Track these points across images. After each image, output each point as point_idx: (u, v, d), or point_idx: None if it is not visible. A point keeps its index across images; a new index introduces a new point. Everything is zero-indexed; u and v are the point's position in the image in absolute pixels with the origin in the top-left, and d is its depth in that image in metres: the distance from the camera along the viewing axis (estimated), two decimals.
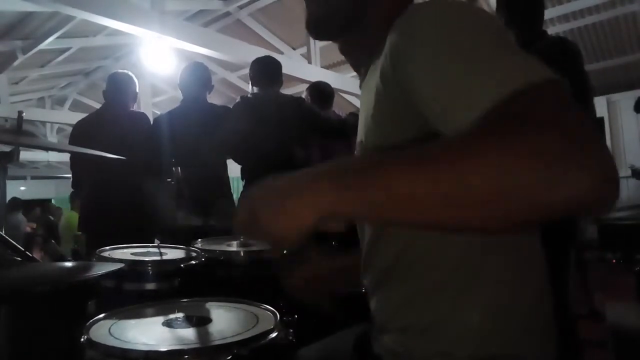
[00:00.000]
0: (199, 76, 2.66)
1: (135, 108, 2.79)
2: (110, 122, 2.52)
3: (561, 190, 0.41)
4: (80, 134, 2.53)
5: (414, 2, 0.63)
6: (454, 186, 0.43)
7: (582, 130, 0.43)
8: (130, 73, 2.74)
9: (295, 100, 2.64)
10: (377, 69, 0.67)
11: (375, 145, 0.69)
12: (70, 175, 2.70)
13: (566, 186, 0.40)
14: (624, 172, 6.00)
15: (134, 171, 2.29)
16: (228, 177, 2.67)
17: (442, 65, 0.53)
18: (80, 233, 2.81)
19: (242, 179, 2.59)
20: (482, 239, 0.64)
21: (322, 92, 3.02)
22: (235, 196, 2.78)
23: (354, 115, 2.75)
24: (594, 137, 0.42)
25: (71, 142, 2.51)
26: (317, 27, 0.81)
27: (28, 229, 6.66)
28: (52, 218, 7.54)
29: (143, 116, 2.67)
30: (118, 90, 2.64)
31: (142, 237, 1.72)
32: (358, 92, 0.82)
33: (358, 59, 0.83)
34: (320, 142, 2.68)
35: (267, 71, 2.63)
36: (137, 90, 2.73)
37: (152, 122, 2.68)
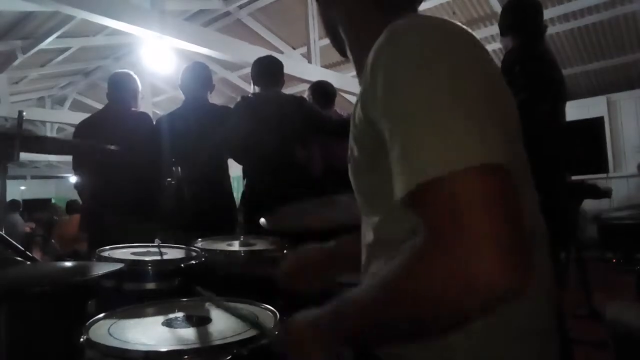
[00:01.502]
0: (200, 76, 2.65)
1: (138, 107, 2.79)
2: (113, 122, 2.52)
3: (478, 297, 0.47)
4: (82, 134, 2.54)
5: (396, 23, 0.61)
6: (397, 318, 0.54)
7: (486, 235, 0.46)
8: (131, 72, 2.74)
9: (297, 99, 2.64)
10: (360, 88, 0.69)
11: (356, 162, 0.73)
12: (69, 175, 2.71)
13: (480, 290, 0.46)
14: (624, 171, 6.01)
15: (136, 171, 2.29)
16: (229, 177, 2.67)
17: (393, 123, 0.56)
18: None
19: (244, 178, 2.59)
20: None
21: (324, 91, 3.02)
22: (236, 195, 2.78)
23: None
24: (496, 240, 0.46)
25: (85, 137, 2.52)
26: (337, 49, 0.90)
27: (27, 229, 6.67)
28: (55, 218, 7.55)
29: (145, 116, 2.68)
30: (119, 89, 2.64)
31: (143, 236, 1.72)
32: (358, 91, 0.83)
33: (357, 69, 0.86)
34: (322, 141, 2.68)
35: (268, 71, 2.63)
36: (140, 88, 2.73)
37: (154, 121, 2.69)
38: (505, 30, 2.13)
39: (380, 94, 0.58)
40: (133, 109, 2.66)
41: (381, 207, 0.70)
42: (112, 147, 1.63)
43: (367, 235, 0.77)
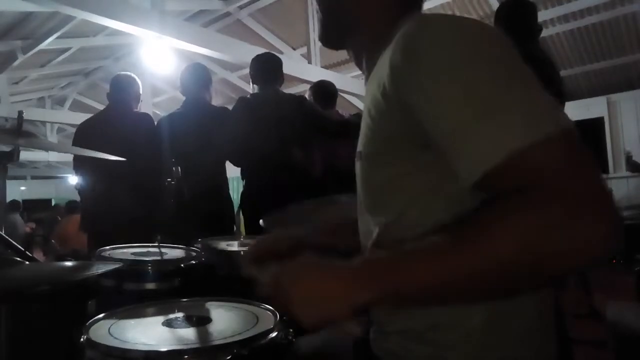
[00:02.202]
0: (200, 77, 2.65)
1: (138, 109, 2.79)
2: (114, 123, 2.53)
3: (577, 253, 0.46)
4: (83, 135, 2.54)
5: (419, 14, 0.60)
6: (480, 267, 0.49)
7: (591, 187, 0.47)
8: (132, 74, 2.75)
9: (296, 99, 2.62)
10: (377, 76, 0.66)
11: (371, 156, 0.70)
12: (69, 175, 2.72)
13: (580, 249, 0.46)
14: (624, 171, 6.00)
15: (137, 172, 2.29)
16: (226, 178, 2.67)
17: (453, 103, 0.53)
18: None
19: (242, 178, 2.59)
20: None
21: (325, 91, 3.01)
22: (235, 196, 2.78)
23: (358, 116, 2.74)
24: (602, 191, 0.47)
25: (74, 144, 2.51)
26: (326, 40, 0.86)
27: (28, 229, 6.67)
28: (58, 217, 7.54)
29: (147, 117, 2.68)
30: (120, 91, 2.65)
31: (143, 236, 1.72)
32: (359, 92, 0.83)
33: (361, 58, 0.83)
34: (322, 141, 2.68)
35: (267, 68, 2.61)
36: (140, 91, 2.73)
37: (155, 123, 2.69)
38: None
39: (429, 80, 0.56)
40: (135, 110, 2.67)
41: (393, 205, 0.68)
42: (113, 155, 1.64)
43: (369, 236, 0.74)
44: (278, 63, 2.64)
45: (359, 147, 0.74)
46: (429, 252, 0.52)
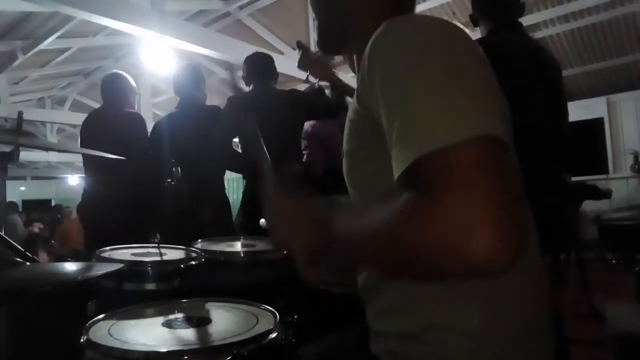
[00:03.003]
0: (194, 78, 2.66)
1: (136, 107, 2.80)
2: (103, 122, 2.57)
3: (462, 260, 0.45)
4: (86, 132, 2.58)
5: (388, 22, 0.62)
6: (383, 253, 0.54)
7: (484, 203, 0.45)
8: (121, 72, 2.76)
9: (287, 93, 2.58)
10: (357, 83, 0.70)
11: (351, 154, 0.75)
12: (69, 176, 2.73)
13: (467, 257, 0.44)
14: (624, 172, 6.01)
15: (130, 171, 2.29)
16: (223, 178, 2.68)
17: (389, 105, 0.57)
18: None
19: (244, 178, 2.59)
20: None
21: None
22: (237, 196, 2.78)
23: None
24: (496, 208, 0.45)
25: (81, 138, 2.56)
26: (323, 46, 0.89)
27: (36, 230, 6.67)
28: (59, 216, 7.55)
29: (136, 116, 2.68)
30: (108, 91, 2.68)
31: (143, 237, 1.72)
32: None
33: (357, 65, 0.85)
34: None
35: (262, 67, 2.60)
36: (133, 87, 2.73)
37: (153, 124, 2.70)
38: (475, 20, 1.97)
39: (379, 82, 0.58)
40: (127, 109, 2.66)
41: (372, 201, 0.70)
42: (108, 155, 1.64)
43: None
44: (270, 60, 2.62)
45: (344, 145, 0.78)
46: (352, 226, 0.59)
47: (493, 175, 0.46)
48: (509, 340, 0.65)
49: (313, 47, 5.75)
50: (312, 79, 2.39)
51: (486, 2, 1.90)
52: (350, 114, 0.73)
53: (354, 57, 0.85)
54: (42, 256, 4.94)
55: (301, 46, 2.00)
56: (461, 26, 0.64)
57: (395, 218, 0.51)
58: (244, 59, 2.71)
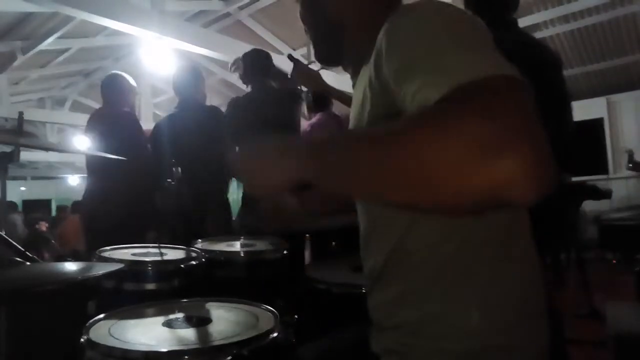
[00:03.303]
0: (194, 78, 2.67)
1: (136, 107, 2.81)
2: (100, 121, 2.57)
3: (493, 175, 0.41)
4: (92, 128, 2.58)
5: (402, 5, 0.64)
6: (398, 167, 0.46)
7: (520, 120, 0.43)
8: (120, 73, 2.78)
9: (288, 92, 2.60)
10: (365, 76, 0.70)
11: None
12: (69, 176, 2.72)
13: (498, 171, 0.41)
14: (624, 172, 6.00)
15: (127, 170, 2.29)
16: (223, 179, 2.69)
17: (412, 53, 0.56)
18: None
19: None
20: (462, 229, 0.66)
21: (321, 93, 2.99)
22: (237, 196, 2.78)
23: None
24: (529, 124, 0.43)
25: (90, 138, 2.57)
26: (322, 61, 0.91)
27: (43, 228, 6.66)
28: (61, 216, 7.54)
29: (129, 115, 2.68)
30: (107, 92, 2.68)
31: (142, 236, 1.72)
32: None
33: (352, 65, 0.87)
34: None
35: (261, 64, 2.61)
36: (132, 87, 2.73)
37: (154, 125, 2.70)
38: None
39: (398, 49, 0.59)
40: (126, 109, 2.67)
41: None
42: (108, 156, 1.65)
43: (363, 225, 0.80)
44: (268, 57, 2.63)
45: None
46: (358, 140, 0.53)
47: (526, 108, 0.44)
48: (507, 331, 0.65)
49: (310, 49, 5.76)
50: (304, 89, 2.44)
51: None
52: (361, 107, 0.72)
53: (352, 60, 0.86)
54: (47, 256, 4.94)
55: (292, 59, 2.06)
56: None
57: (419, 121, 0.47)
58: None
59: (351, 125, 0.79)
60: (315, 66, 2.20)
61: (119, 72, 2.78)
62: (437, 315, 0.66)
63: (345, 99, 2.08)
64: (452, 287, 0.66)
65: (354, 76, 0.84)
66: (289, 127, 2.43)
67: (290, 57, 2.07)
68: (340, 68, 0.94)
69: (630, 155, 4.39)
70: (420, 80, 0.52)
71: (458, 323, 0.65)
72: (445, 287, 0.66)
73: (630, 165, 4.46)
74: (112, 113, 2.61)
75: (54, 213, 9.69)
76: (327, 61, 0.90)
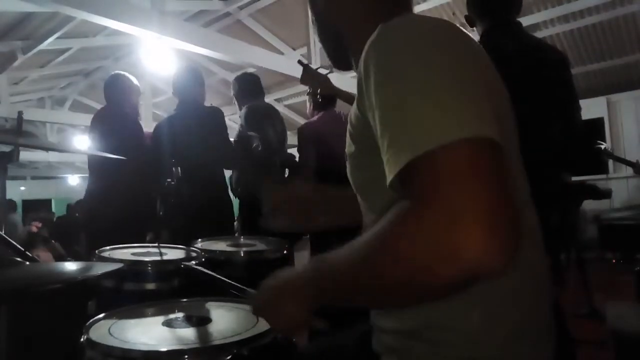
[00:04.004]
0: (194, 79, 2.70)
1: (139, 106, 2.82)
2: (100, 122, 2.58)
3: (458, 264, 0.45)
4: (94, 128, 2.58)
5: (385, 26, 0.62)
6: (373, 280, 0.52)
7: (476, 203, 0.45)
8: (123, 73, 2.78)
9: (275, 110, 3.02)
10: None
11: (352, 159, 0.76)
12: (69, 176, 2.72)
13: (462, 259, 0.44)
14: (624, 172, 6.00)
15: (128, 170, 2.30)
16: (224, 180, 2.70)
17: (381, 110, 0.56)
18: None
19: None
20: None
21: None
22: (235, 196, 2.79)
23: None
24: (488, 208, 0.45)
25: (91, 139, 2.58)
26: (336, 66, 0.93)
27: (34, 229, 6.66)
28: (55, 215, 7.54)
29: (131, 116, 2.69)
30: (109, 92, 2.69)
31: (141, 237, 1.72)
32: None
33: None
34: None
35: (257, 85, 2.95)
36: (135, 87, 2.74)
37: (154, 125, 2.72)
38: (471, 21, 1.91)
39: (373, 87, 0.58)
40: (127, 109, 2.68)
41: (376, 205, 0.71)
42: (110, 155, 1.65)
43: (367, 228, 0.79)
44: (259, 80, 2.98)
45: (346, 147, 0.78)
46: (349, 259, 0.57)
47: (483, 176, 0.46)
48: (508, 340, 0.64)
49: (313, 47, 5.76)
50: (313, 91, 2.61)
51: (481, 2, 1.86)
52: (351, 118, 0.73)
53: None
54: (45, 256, 4.93)
55: (301, 63, 2.21)
56: (459, 26, 0.64)
57: (388, 231, 0.51)
58: (243, 58, 2.83)
59: (347, 135, 0.78)
60: (323, 70, 2.27)
61: (122, 72, 2.78)
62: (439, 320, 0.65)
63: (352, 99, 2.13)
64: (456, 294, 0.65)
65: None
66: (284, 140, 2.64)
67: (300, 62, 2.24)
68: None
69: (604, 150, 4.32)
70: (386, 145, 0.54)
71: (459, 329, 0.64)
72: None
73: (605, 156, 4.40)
74: (115, 113, 2.61)
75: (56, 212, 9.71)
76: (341, 68, 0.92)
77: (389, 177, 0.53)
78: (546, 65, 1.75)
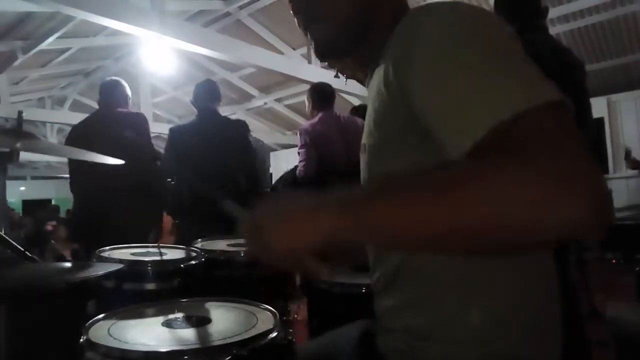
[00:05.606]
0: (214, 91, 2.82)
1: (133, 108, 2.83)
2: (97, 123, 2.58)
3: (554, 219, 0.44)
4: (76, 137, 2.56)
5: (414, 7, 0.62)
6: (449, 218, 0.47)
7: (577, 160, 0.45)
8: (118, 79, 2.81)
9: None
10: (380, 70, 0.67)
11: (373, 149, 0.71)
12: (68, 175, 2.71)
13: (558, 215, 0.44)
14: (624, 172, 6.00)
15: (134, 171, 2.29)
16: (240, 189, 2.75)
17: (443, 80, 0.54)
18: None
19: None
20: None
21: (323, 92, 3.03)
22: None
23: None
24: (588, 166, 0.45)
25: (67, 143, 2.55)
26: (326, 51, 0.82)
27: (49, 228, 6.67)
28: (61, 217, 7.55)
29: (135, 116, 2.70)
30: (105, 96, 2.71)
31: (140, 236, 1.72)
32: (358, 92, 0.83)
33: (358, 68, 0.83)
34: None
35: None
36: (127, 92, 2.76)
37: (169, 129, 2.80)
38: None
39: (423, 62, 0.57)
40: (124, 110, 2.69)
41: None
42: (108, 159, 1.65)
43: None
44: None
45: (363, 139, 0.75)
46: (406, 195, 0.50)
47: (574, 137, 0.47)
48: (518, 341, 0.64)
49: (311, 49, 5.77)
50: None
51: (509, 5, 1.92)
52: (374, 108, 0.69)
53: (365, 56, 0.79)
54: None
55: None
56: None
57: (488, 172, 0.47)
58: (243, 58, 2.87)
59: (365, 128, 0.74)
60: (316, 62, 2.26)
61: (116, 78, 2.83)
62: (451, 320, 0.65)
63: None
64: (465, 293, 0.65)
65: (369, 77, 0.79)
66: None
67: None
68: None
69: (628, 152, 4.36)
70: (455, 113, 0.52)
71: (470, 330, 0.64)
72: (459, 293, 0.65)
73: (628, 163, 4.44)
74: (111, 114, 2.61)
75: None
76: (332, 56, 0.84)
77: (466, 142, 0.50)
78: (572, 67, 1.83)
